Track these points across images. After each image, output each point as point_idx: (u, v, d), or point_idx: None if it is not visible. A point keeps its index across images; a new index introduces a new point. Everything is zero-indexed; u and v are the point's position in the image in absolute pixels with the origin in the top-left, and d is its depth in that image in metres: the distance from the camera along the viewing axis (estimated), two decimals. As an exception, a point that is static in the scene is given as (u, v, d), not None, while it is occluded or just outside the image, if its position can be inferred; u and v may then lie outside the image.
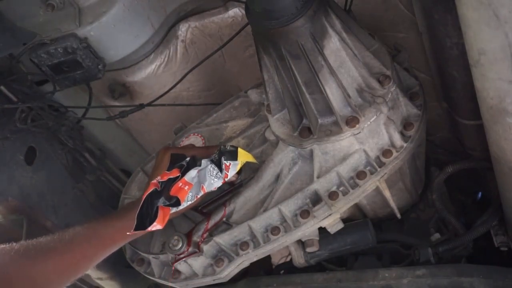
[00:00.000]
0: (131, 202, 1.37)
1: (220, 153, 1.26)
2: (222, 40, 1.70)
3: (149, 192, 1.20)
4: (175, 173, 1.23)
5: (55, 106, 1.81)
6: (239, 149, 1.27)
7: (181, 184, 1.22)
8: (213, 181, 1.24)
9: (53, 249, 1.19)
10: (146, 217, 1.18)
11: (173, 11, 1.67)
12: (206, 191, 1.24)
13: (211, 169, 1.24)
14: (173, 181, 1.22)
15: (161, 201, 1.20)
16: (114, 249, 1.30)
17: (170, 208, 1.21)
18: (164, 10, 1.65)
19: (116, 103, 1.86)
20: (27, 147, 1.74)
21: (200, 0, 1.67)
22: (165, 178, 1.22)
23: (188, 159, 1.26)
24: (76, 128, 1.91)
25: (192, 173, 1.23)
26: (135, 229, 1.18)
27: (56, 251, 1.19)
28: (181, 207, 1.22)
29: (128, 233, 1.20)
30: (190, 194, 1.22)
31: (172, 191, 1.21)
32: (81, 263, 1.26)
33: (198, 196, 1.24)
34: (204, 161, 1.25)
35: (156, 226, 1.18)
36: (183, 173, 1.23)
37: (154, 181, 1.22)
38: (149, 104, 1.74)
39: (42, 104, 1.70)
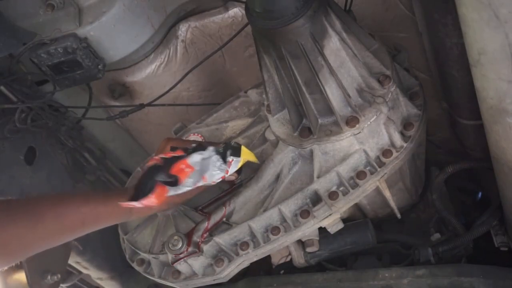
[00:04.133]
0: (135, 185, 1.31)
1: (226, 146, 1.25)
2: (222, 40, 1.70)
3: (150, 165, 1.18)
4: (179, 152, 1.22)
5: (55, 106, 1.81)
6: (243, 147, 1.27)
7: (183, 165, 1.20)
8: (215, 173, 1.23)
9: (40, 217, 1.13)
10: (143, 189, 1.16)
11: (173, 11, 1.67)
12: (207, 181, 1.23)
13: (215, 159, 1.23)
14: (176, 159, 1.20)
15: (160, 176, 1.18)
16: (104, 226, 1.26)
17: (167, 187, 1.18)
18: (164, 10, 1.65)
19: (116, 103, 1.86)
20: (27, 147, 1.74)
21: (200, 0, 1.67)
22: (169, 156, 1.20)
23: (194, 145, 1.25)
24: (76, 128, 1.91)
25: (196, 157, 1.21)
26: (130, 199, 1.15)
27: (44, 221, 1.13)
28: (179, 190, 1.20)
29: (121, 203, 1.15)
30: (191, 179, 1.20)
31: (173, 170, 1.19)
32: (67, 238, 1.23)
33: (198, 185, 1.22)
34: (210, 149, 1.23)
35: (151, 200, 1.16)
36: (187, 155, 1.21)
37: (157, 157, 1.20)
38: (149, 104, 1.74)
39: (42, 104, 1.70)
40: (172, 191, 1.19)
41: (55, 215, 1.16)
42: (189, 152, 1.22)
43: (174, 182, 1.19)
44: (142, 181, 1.18)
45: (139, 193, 1.16)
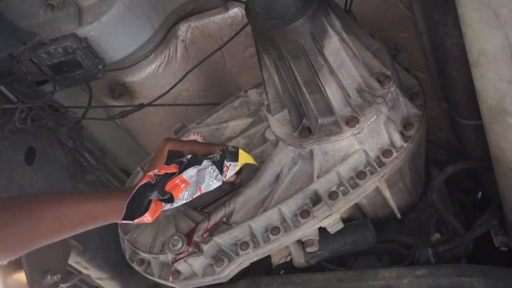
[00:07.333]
0: (134, 185, 1.30)
1: (223, 155, 1.25)
2: (222, 40, 1.71)
3: (142, 183, 1.17)
4: (173, 168, 1.20)
5: (55, 106, 1.81)
6: (240, 151, 1.27)
7: (178, 181, 1.18)
8: (212, 183, 1.23)
9: (40, 215, 1.14)
10: (136, 208, 1.15)
11: (173, 11, 1.67)
12: (203, 192, 1.23)
13: (211, 170, 1.22)
14: (169, 176, 1.19)
15: (154, 195, 1.17)
16: (103, 224, 1.25)
17: (163, 203, 1.18)
18: (164, 10, 1.65)
19: (116, 103, 1.86)
20: (27, 147, 1.74)
21: (200, 0, 1.67)
22: (162, 172, 1.19)
23: (189, 156, 1.23)
24: (76, 128, 1.91)
25: (191, 171, 1.20)
26: (123, 219, 1.15)
27: (43, 220, 1.15)
28: (175, 205, 1.19)
29: (116, 221, 1.17)
30: (186, 193, 1.19)
31: (168, 187, 1.18)
32: (66, 235, 1.23)
33: (194, 196, 1.22)
34: (205, 162, 1.23)
35: (146, 218, 1.15)
36: (182, 170, 1.20)
37: (150, 173, 1.19)
38: (149, 104, 1.74)
39: (42, 104, 1.70)
40: (167, 207, 1.19)
41: (54, 213, 1.17)
42: (184, 166, 1.20)
43: (168, 199, 1.18)
44: (135, 200, 1.16)
45: (134, 212, 1.15)
